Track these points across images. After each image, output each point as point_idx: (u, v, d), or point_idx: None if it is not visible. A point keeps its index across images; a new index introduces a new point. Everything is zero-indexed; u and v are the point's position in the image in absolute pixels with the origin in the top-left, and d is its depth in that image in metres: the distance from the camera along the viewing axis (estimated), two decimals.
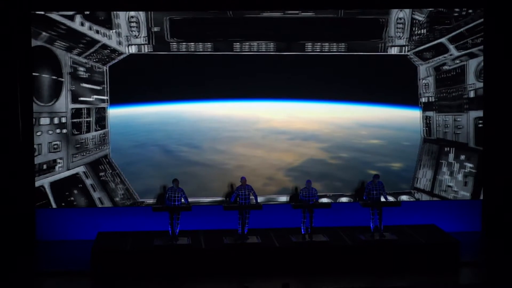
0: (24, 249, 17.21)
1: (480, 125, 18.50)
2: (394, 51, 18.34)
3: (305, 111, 18.70)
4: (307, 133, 18.80)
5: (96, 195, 17.83)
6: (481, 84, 18.44)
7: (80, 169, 17.76)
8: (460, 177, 18.60)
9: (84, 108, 17.70)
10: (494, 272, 16.06)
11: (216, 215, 17.55)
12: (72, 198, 17.74)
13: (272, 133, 18.73)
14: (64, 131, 17.64)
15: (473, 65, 18.44)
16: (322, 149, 18.80)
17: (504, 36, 18.16)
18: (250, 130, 18.70)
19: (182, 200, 16.51)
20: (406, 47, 18.33)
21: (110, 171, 17.86)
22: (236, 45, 17.99)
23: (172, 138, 18.25)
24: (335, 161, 18.79)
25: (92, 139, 17.80)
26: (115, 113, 17.84)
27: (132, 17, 17.64)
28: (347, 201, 18.36)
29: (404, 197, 18.48)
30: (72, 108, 17.63)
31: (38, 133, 17.50)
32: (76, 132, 17.69)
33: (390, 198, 18.01)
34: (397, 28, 18.27)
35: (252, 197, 16.79)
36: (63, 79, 17.56)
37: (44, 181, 17.58)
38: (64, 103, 17.60)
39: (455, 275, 16.04)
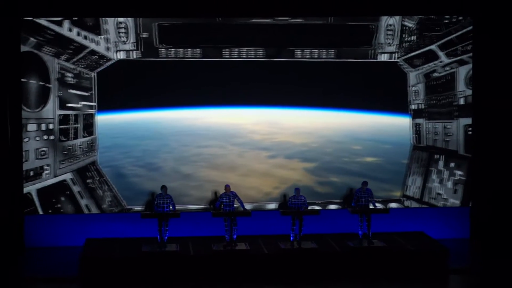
0: (13, 256, 17.72)
1: (470, 133, 19.24)
2: (384, 57, 19.00)
3: (291, 120, 19.09)
4: (291, 149, 19.15)
5: (83, 202, 18.46)
6: (471, 91, 19.14)
7: (68, 176, 18.38)
8: (450, 184, 19.28)
9: (71, 114, 18.32)
10: (482, 279, 16.66)
11: (205, 222, 18.15)
12: (59, 205, 18.35)
13: (252, 148, 19.07)
14: (52, 137, 18.24)
15: (463, 72, 19.14)
16: (308, 171, 19.13)
17: (492, 43, 18.89)
18: (226, 146, 19.05)
19: (171, 207, 17.28)
20: (396, 54, 19.01)
21: (98, 178, 18.48)
22: (225, 51, 18.62)
23: (156, 146, 18.80)
24: (324, 189, 19.17)
25: (79, 145, 18.42)
26: (103, 119, 18.46)
27: (120, 23, 18.29)
28: (336, 208, 19.00)
29: (393, 205, 19.12)
30: (59, 114, 18.24)
31: (26, 140, 18.09)
32: (64, 139, 18.30)
33: (379, 205, 18.57)
34: (387, 34, 18.94)
35: (237, 204, 17.50)
36: (50, 85, 18.17)
37: (31, 188, 18.18)
38: (51, 109, 18.20)
39: (444, 282, 16.66)
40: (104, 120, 18.51)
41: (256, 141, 19.12)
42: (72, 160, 18.42)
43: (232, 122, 19.05)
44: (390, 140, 19.35)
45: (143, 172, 18.75)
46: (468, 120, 19.23)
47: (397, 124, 19.28)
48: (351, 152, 19.29)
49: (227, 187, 17.45)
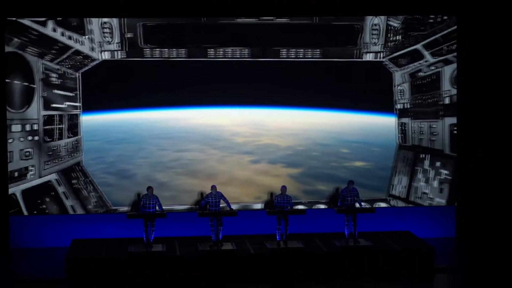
0: None
1: (456, 132, 19.59)
2: (369, 57, 19.32)
3: (276, 120, 19.27)
4: (276, 153, 19.29)
5: (68, 202, 18.68)
6: (456, 91, 19.48)
7: (52, 177, 18.60)
8: (435, 184, 19.63)
9: (56, 115, 18.54)
10: (468, 278, 16.97)
11: (191, 222, 18.38)
12: (44, 206, 18.56)
13: (234, 152, 19.18)
14: (36, 138, 18.45)
15: (448, 71, 19.48)
16: (293, 177, 19.24)
17: (477, 43, 19.29)
18: (207, 150, 19.10)
19: (157, 207, 17.52)
20: (381, 53, 19.33)
21: (83, 178, 18.71)
22: (210, 51, 18.87)
23: (132, 150, 18.93)
24: (310, 198, 19.29)
25: (64, 146, 18.64)
26: (87, 120, 18.68)
27: (105, 23, 18.52)
28: (322, 207, 19.28)
29: (379, 204, 19.42)
30: (44, 115, 18.45)
31: (10, 140, 18.30)
32: (48, 139, 18.53)
33: (365, 205, 18.93)
34: (372, 34, 19.25)
35: (223, 204, 17.76)
36: (35, 86, 18.38)
37: (15, 189, 18.40)
38: (36, 110, 18.41)
39: (430, 281, 16.95)
40: (88, 120, 18.70)
41: (238, 144, 19.29)
42: (57, 161, 18.63)
43: (215, 123, 19.18)
44: (378, 142, 19.61)
45: (113, 181, 18.89)
46: (454, 120, 19.54)
47: (383, 124, 19.54)
48: (339, 156, 19.49)
49: (213, 187, 17.71)
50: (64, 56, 18.50)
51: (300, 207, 18.93)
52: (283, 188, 17.90)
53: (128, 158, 18.91)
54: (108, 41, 18.61)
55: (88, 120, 18.70)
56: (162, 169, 18.99)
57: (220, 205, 17.69)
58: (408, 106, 19.58)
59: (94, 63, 18.64)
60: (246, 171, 19.26)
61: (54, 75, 18.51)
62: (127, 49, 18.67)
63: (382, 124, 19.56)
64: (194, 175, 19.05)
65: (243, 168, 19.26)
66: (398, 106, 19.55)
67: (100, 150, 18.78)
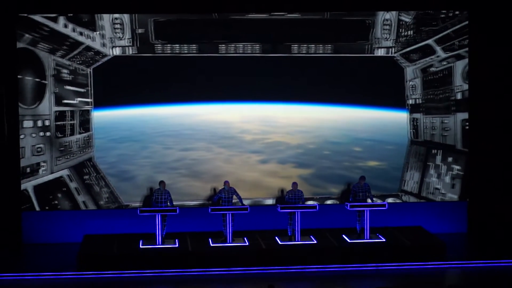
0: (11, 252, 18.19)
1: (468, 127, 19.76)
2: (380, 52, 19.47)
3: (286, 116, 19.31)
4: (285, 152, 19.33)
5: (80, 198, 18.96)
6: (468, 86, 19.65)
7: (64, 172, 18.88)
8: (447, 179, 19.80)
9: (68, 110, 18.80)
10: (479, 273, 17.10)
11: (203, 217, 18.62)
12: (56, 202, 18.84)
13: (241, 151, 19.23)
14: (48, 134, 18.73)
15: (460, 66, 19.63)
16: (304, 179, 19.24)
17: (488, 38, 19.40)
18: (213, 149, 19.13)
19: (168, 203, 17.82)
20: (393, 49, 19.48)
21: (95, 174, 18.97)
22: (221, 47, 19.07)
23: (135, 150, 19.05)
24: (323, 201, 19.31)
25: (76, 142, 18.89)
26: (99, 115, 18.91)
27: (116, 18, 18.74)
28: (333, 203, 19.45)
29: (391, 200, 19.59)
30: (55, 111, 18.72)
31: (22, 136, 18.58)
32: (60, 135, 18.79)
33: (377, 200, 19.13)
34: (384, 29, 19.41)
35: (235, 200, 18.08)
36: (46, 82, 18.66)
37: (27, 185, 18.69)
38: (47, 106, 18.68)
39: (441, 276, 17.11)
40: (99, 116, 18.91)
41: (247, 142, 19.40)
42: (68, 157, 18.88)
43: (224, 119, 19.29)
44: (391, 139, 19.74)
45: (113, 183, 19.08)
46: (466, 115, 19.68)
47: (395, 120, 19.66)
48: (351, 154, 19.59)
49: (226, 183, 17.97)
50: (75, 52, 18.73)
51: (311, 202, 19.04)
52: (294, 184, 18.16)
53: (130, 158, 19.07)
54: (119, 37, 18.81)
55: (107, 114, 18.91)
56: (165, 170, 19.10)
57: (233, 201, 18.01)
58: (420, 102, 19.72)
59: (105, 59, 18.84)
60: (253, 171, 19.37)
61: (66, 71, 18.74)
62: (138, 45, 18.86)
63: (394, 120, 19.69)
64: (198, 177, 19.16)
65: (251, 169, 19.38)
66: (410, 102, 19.70)
67: (103, 149, 19.00)
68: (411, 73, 19.67)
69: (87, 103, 18.90)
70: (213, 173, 19.20)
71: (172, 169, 19.09)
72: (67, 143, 18.87)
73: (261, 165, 19.37)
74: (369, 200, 18.41)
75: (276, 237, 18.12)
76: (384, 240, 18.02)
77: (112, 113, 19.03)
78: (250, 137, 19.38)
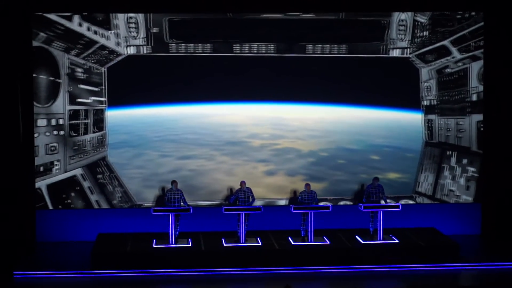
0: (25, 250, 18.55)
1: (482, 129, 19.99)
2: (395, 53, 19.78)
3: (298, 118, 19.44)
4: (295, 161, 19.37)
5: (93, 197, 19.37)
6: (483, 87, 19.89)
7: (78, 172, 19.29)
8: (462, 181, 20.10)
9: (81, 109, 19.20)
10: (492, 275, 17.44)
11: (216, 217, 19.01)
12: (69, 201, 19.25)
13: (247, 160, 19.34)
14: (62, 133, 19.13)
15: (475, 68, 19.93)
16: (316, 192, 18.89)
17: (504, 39, 19.60)
18: (216, 157, 19.17)
19: (181, 202, 18.22)
20: (408, 50, 19.80)
21: (108, 173, 19.37)
22: (236, 46, 19.43)
23: (127, 158, 19.30)
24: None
25: (89, 141, 19.29)
26: (113, 114, 19.29)
27: (130, 17, 19.12)
28: (346, 204, 19.78)
29: (404, 202, 19.84)
30: (69, 110, 19.12)
31: (35, 135, 18.99)
32: (74, 134, 19.20)
33: (390, 202, 19.41)
34: (399, 30, 19.72)
35: (251, 200, 18.47)
36: (60, 80, 19.06)
37: (41, 183, 19.11)
38: (61, 105, 19.09)
39: (454, 277, 17.20)
40: (114, 115, 19.28)
41: (254, 148, 19.56)
42: (82, 156, 19.28)
43: (232, 121, 19.47)
44: (411, 146, 19.88)
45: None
46: (481, 117, 19.95)
47: (411, 123, 19.87)
48: (368, 164, 19.74)
49: (242, 183, 18.37)
50: (90, 51, 19.11)
51: (325, 203, 19.31)
52: (307, 185, 18.58)
53: (121, 167, 19.27)
54: (134, 36, 19.18)
55: (120, 114, 19.23)
56: (157, 183, 19.25)
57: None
58: (435, 103, 19.99)
59: (120, 58, 19.21)
60: (258, 186, 19.46)
61: (80, 69, 19.13)
62: (152, 44, 19.21)
63: (410, 122, 19.93)
64: (193, 193, 19.22)
65: (256, 183, 19.40)
66: (425, 103, 19.97)
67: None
68: (426, 74, 19.95)
69: (101, 102, 19.27)
70: (211, 188, 19.48)
71: (165, 182, 19.03)
72: (81, 142, 19.25)
73: (267, 177, 19.59)
74: (382, 201, 18.77)
75: (289, 238, 18.52)
76: (398, 241, 18.38)
77: (127, 112, 19.32)
78: (258, 142, 19.61)
